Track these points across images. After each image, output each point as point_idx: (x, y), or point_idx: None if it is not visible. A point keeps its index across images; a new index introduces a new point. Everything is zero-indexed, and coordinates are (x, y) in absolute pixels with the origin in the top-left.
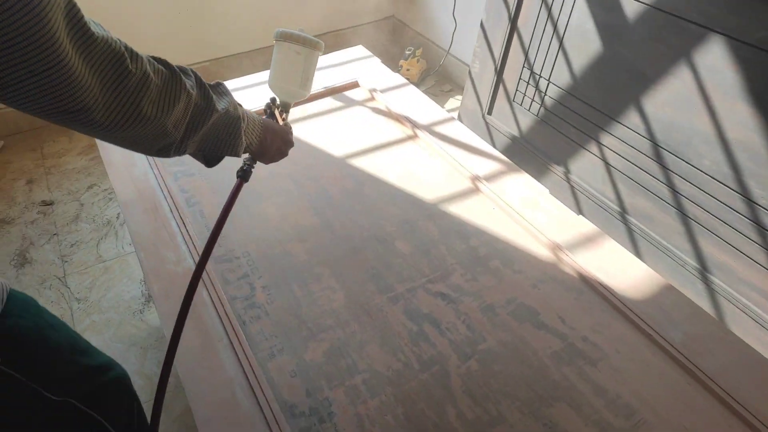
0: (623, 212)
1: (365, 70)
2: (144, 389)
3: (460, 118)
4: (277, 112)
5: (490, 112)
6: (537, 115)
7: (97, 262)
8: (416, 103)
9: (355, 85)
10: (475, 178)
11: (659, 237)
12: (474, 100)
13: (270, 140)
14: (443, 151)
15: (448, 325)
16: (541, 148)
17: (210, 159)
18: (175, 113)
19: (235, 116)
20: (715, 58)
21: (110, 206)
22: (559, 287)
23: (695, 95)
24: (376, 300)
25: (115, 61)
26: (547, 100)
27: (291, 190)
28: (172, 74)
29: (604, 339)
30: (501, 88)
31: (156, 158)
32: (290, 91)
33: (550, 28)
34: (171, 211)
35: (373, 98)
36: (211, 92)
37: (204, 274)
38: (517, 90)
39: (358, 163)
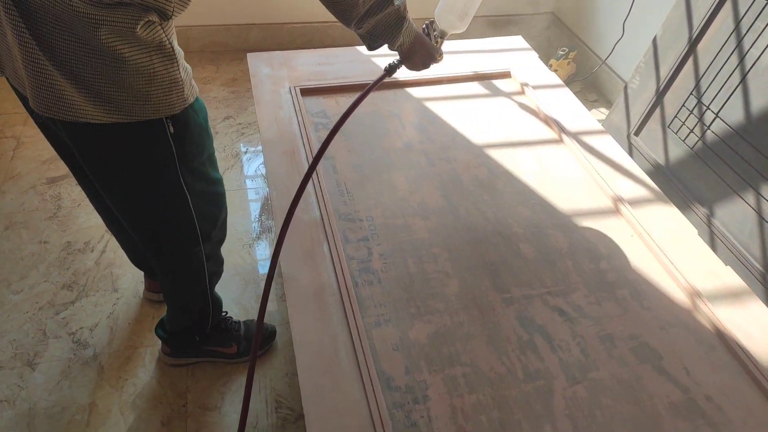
0: (767, 273)
1: (520, 62)
2: (239, 318)
3: (606, 132)
4: (432, 35)
5: (637, 133)
6: (692, 148)
7: None
8: (567, 107)
9: (506, 75)
10: (618, 199)
11: None
12: (623, 117)
13: (418, 48)
14: (588, 162)
15: (561, 343)
16: (687, 183)
17: (372, 43)
18: None
19: (402, 15)
20: None
21: (241, 140)
22: (690, 336)
23: None
24: (489, 297)
25: None
26: (708, 135)
27: (423, 166)
28: None
29: (731, 404)
30: (658, 111)
31: (303, 106)
32: (449, 21)
33: (734, 60)
34: (307, 159)
35: (523, 92)
36: None
37: (328, 228)
38: (676, 117)
39: (496, 155)
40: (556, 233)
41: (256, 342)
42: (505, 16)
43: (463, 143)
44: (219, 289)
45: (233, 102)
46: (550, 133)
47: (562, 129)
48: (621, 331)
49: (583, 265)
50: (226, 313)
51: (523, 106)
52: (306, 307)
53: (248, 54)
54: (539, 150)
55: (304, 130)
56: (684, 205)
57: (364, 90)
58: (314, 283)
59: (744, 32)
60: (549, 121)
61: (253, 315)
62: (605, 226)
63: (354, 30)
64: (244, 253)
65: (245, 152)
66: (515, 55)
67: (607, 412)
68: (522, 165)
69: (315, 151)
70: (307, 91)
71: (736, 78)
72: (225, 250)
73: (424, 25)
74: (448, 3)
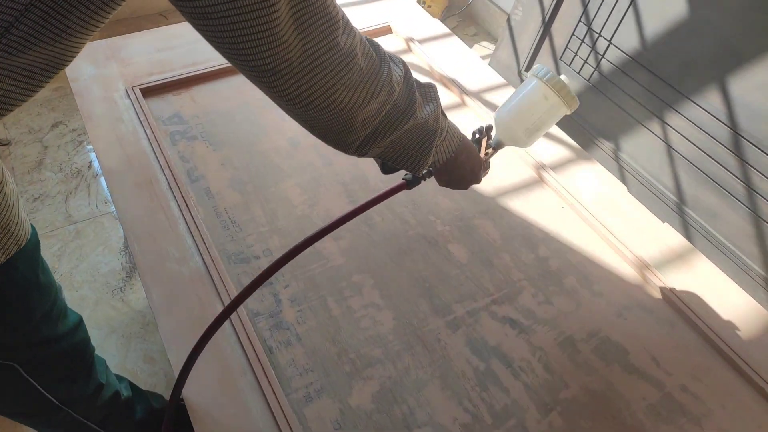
0: (681, 203)
1: (398, 11)
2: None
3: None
4: (484, 143)
5: (528, 69)
6: (588, 81)
7: (66, 222)
8: (463, 61)
9: (387, 30)
10: (540, 167)
11: (722, 236)
12: (510, 53)
13: (462, 162)
14: None
15: (522, 364)
16: (588, 118)
17: (388, 168)
18: (368, 108)
19: (433, 129)
20: None
21: (80, 151)
22: (649, 318)
23: None
24: (431, 324)
25: (326, 27)
26: (605, 65)
27: (318, 167)
28: (381, 62)
29: (706, 389)
30: (547, 43)
31: (150, 113)
32: (514, 134)
33: None
34: (170, 187)
35: (409, 49)
36: (416, 93)
37: (217, 279)
38: (567, 48)
39: None
40: (484, 223)
41: None
42: None
43: None
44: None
45: (59, 103)
46: (451, 96)
47: (462, 90)
48: (579, 329)
49: (522, 257)
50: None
51: (414, 67)
52: (212, 404)
53: None
54: None
55: (158, 147)
56: (588, 143)
57: (363, 205)
58: (216, 365)
59: None
60: (446, 82)
61: (147, 381)
62: (533, 201)
63: (356, 156)
64: (117, 301)
65: (89, 166)
66: (391, 4)
67: None
68: None
69: (177, 174)
70: (150, 91)
71: (624, 1)
72: (92, 301)
73: (476, 130)
74: (517, 112)
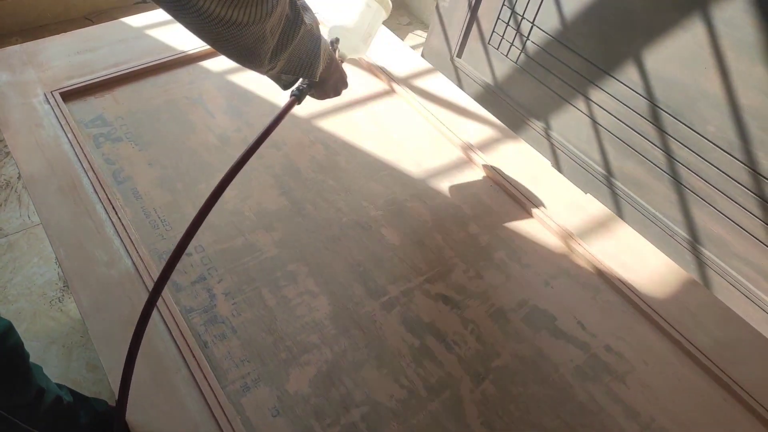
0: (609, 176)
1: (322, 3)
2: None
3: (436, 70)
4: (337, 54)
5: (459, 55)
6: (516, 62)
7: None
8: (388, 47)
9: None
10: (467, 147)
11: (648, 204)
12: (441, 40)
13: (333, 70)
14: (427, 111)
15: (455, 338)
16: (518, 99)
17: (288, 81)
18: (273, 17)
19: (317, 35)
20: (735, 12)
21: (7, 162)
22: (574, 284)
23: (706, 52)
24: (366, 307)
25: None
26: (530, 46)
27: (249, 162)
28: None
29: (629, 347)
30: (475, 28)
31: (71, 117)
32: (352, 43)
33: None
34: (95, 190)
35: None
36: (297, 4)
37: (147, 279)
38: (494, 32)
39: (328, 125)
40: (416, 205)
41: None
42: None
43: (288, 120)
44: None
45: None
46: (380, 84)
47: (390, 77)
48: (509, 300)
49: (453, 235)
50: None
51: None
52: (148, 402)
53: None
54: (373, 107)
55: (81, 150)
56: (520, 123)
57: (266, 127)
58: (149, 364)
59: None
60: (374, 70)
61: (91, 389)
62: (462, 181)
63: (267, 73)
64: (55, 311)
65: (18, 177)
66: None
67: (520, 402)
68: (359, 130)
69: (102, 176)
70: (70, 95)
71: None
72: (29, 313)
73: (330, 43)
74: (353, 25)
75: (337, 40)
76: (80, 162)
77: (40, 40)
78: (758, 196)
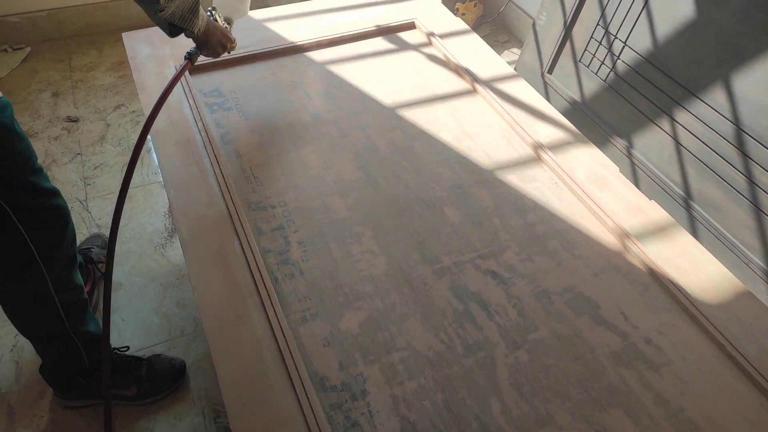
0: (688, 198)
1: (423, 10)
2: (162, 327)
3: (519, 75)
4: (220, 19)
5: (550, 71)
6: (605, 80)
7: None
8: (478, 54)
9: (411, 26)
10: (538, 146)
11: (725, 230)
12: (534, 56)
13: (212, 32)
14: (504, 111)
15: (498, 308)
16: (604, 116)
17: (173, 29)
18: None
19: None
20: None
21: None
22: (624, 279)
23: None
24: (419, 271)
25: None
26: (620, 65)
27: (335, 138)
28: None
29: (669, 343)
30: (568, 46)
31: (193, 87)
32: (231, 5)
33: None
34: (205, 146)
35: (430, 43)
36: None
37: (237, 221)
38: (586, 50)
39: (410, 115)
40: (480, 191)
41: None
42: None
43: (375, 107)
44: (135, 298)
45: (123, 88)
46: (463, 84)
47: (474, 78)
48: (556, 284)
49: (511, 221)
50: (127, 348)
51: (432, 58)
52: (222, 316)
53: (123, 34)
54: (454, 103)
55: (198, 114)
56: (603, 140)
57: (168, 85)
58: (228, 287)
59: None
60: (460, 71)
61: (178, 323)
62: (528, 176)
63: (155, 16)
64: (158, 255)
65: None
66: (417, 3)
67: (551, 372)
68: (437, 122)
69: (212, 136)
70: (195, 69)
71: (639, 3)
72: (137, 254)
73: (207, 11)
74: None
75: (214, 9)
76: (196, 123)
77: None
78: None
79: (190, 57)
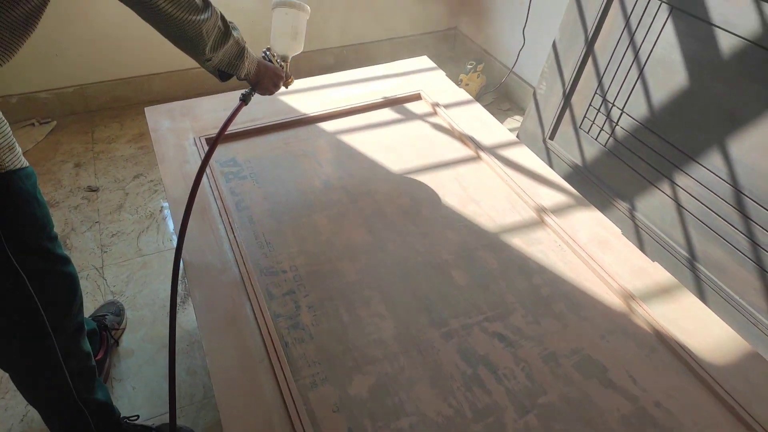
0: (692, 259)
1: (428, 83)
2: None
3: (521, 142)
4: (275, 60)
5: (552, 137)
6: (605, 146)
7: (136, 255)
8: (481, 122)
9: (417, 97)
10: (541, 210)
11: (731, 290)
12: (536, 123)
13: (263, 72)
14: (507, 176)
15: (506, 372)
16: (606, 180)
17: (222, 75)
18: (208, 23)
19: (242, 46)
20: None
21: (154, 198)
22: (630, 341)
23: None
24: (428, 334)
25: None
26: (618, 131)
27: (345, 204)
28: (204, 1)
29: (679, 407)
30: (568, 113)
31: (210, 158)
32: (285, 44)
33: (630, 56)
34: (220, 213)
35: (435, 113)
36: (228, 24)
37: (249, 287)
38: (585, 117)
39: (416, 181)
40: (486, 254)
41: None
42: (409, 36)
43: (383, 174)
44: (146, 366)
45: (142, 158)
46: (467, 151)
47: (478, 145)
48: (563, 347)
49: (517, 284)
50: (137, 417)
51: (438, 127)
52: (233, 381)
53: (146, 108)
54: (459, 169)
55: (215, 183)
56: (606, 203)
57: (224, 122)
58: (239, 352)
59: (634, 28)
60: (464, 139)
61: (187, 390)
62: (533, 239)
63: (204, 65)
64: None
65: (161, 210)
66: (423, 76)
67: None
68: (443, 187)
69: (227, 204)
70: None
71: (634, 73)
72: (149, 320)
73: (262, 53)
74: (278, 28)
75: (269, 49)
76: (212, 191)
77: (195, 98)
78: None
79: (245, 98)
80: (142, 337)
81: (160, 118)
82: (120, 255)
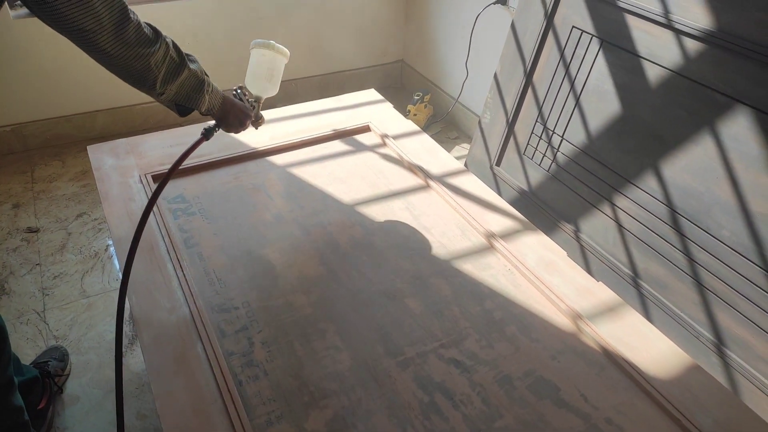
0: (636, 277)
1: (376, 115)
2: None
3: (466, 167)
4: (247, 100)
5: (498, 164)
6: (548, 171)
7: (80, 297)
8: (429, 152)
9: (366, 129)
10: (490, 235)
11: (673, 305)
12: (482, 150)
13: (229, 109)
14: (457, 204)
15: (462, 398)
16: (551, 204)
17: (181, 109)
18: (156, 55)
19: (201, 79)
20: (739, 129)
21: (99, 237)
22: (580, 360)
23: (716, 163)
24: (384, 364)
25: (121, 8)
26: (560, 157)
27: (297, 236)
28: (155, 32)
29: (629, 421)
30: (512, 140)
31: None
32: (260, 86)
33: (566, 86)
34: (168, 251)
35: (384, 144)
36: (184, 55)
37: (200, 325)
38: (528, 144)
39: (368, 211)
40: (438, 281)
41: None
42: (356, 69)
43: (335, 205)
44: (93, 412)
45: (85, 197)
46: (417, 180)
47: (427, 174)
48: (516, 369)
49: (470, 309)
50: None
51: (387, 157)
52: (185, 424)
53: (88, 147)
54: (409, 198)
55: (161, 220)
56: (553, 226)
57: (181, 155)
58: (190, 393)
59: (569, 60)
60: (414, 169)
61: None
62: (483, 264)
63: (158, 99)
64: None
65: (106, 249)
66: (371, 108)
67: None
68: (395, 216)
69: (176, 241)
70: (159, 177)
71: (571, 102)
72: (95, 365)
73: (234, 90)
74: (254, 68)
75: (242, 87)
76: (160, 229)
77: (141, 135)
78: None
79: (207, 133)
80: (87, 383)
81: (103, 156)
82: (63, 297)
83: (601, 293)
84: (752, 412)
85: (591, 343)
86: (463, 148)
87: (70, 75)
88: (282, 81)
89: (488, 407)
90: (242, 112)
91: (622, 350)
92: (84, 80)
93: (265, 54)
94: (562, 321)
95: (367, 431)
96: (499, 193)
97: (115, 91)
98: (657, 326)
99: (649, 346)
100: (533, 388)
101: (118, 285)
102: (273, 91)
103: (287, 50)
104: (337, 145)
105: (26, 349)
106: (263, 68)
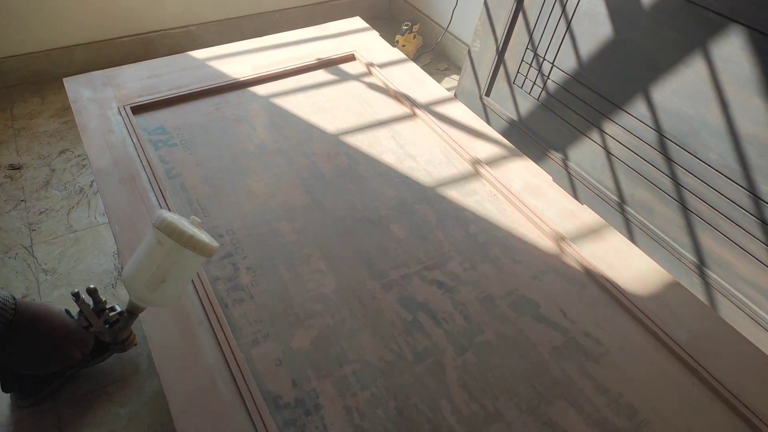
0: (622, 202)
1: (362, 43)
2: (113, 368)
3: (456, 98)
4: (92, 314)
5: (488, 94)
6: (538, 99)
7: (67, 231)
8: (416, 80)
9: (351, 57)
10: (476, 162)
11: (657, 229)
12: (472, 81)
13: (32, 333)
14: (443, 132)
15: (445, 316)
16: (540, 133)
17: None
18: None
19: None
20: (732, 49)
21: (83, 173)
22: (562, 279)
23: (707, 86)
24: (368, 286)
25: None
26: (550, 85)
27: (281, 166)
28: None
29: (606, 335)
30: (501, 69)
31: (137, 125)
32: (136, 290)
33: (558, 10)
34: (150, 182)
35: (370, 73)
36: None
37: None
38: (518, 72)
39: (353, 140)
40: (423, 207)
41: None
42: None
43: (319, 135)
44: None
45: (67, 133)
46: (403, 109)
47: (413, 103)
48: (499, 289)
49: (454, 233)
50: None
51: (373, 86)
52: (172, 347)
53: (65, 79)
54: (395, 127)
55: (142, 151)
56: (541, 154)
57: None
58: (177, 317)
59: None
60: (399, 97)
61: (129, 360)
62: (468, 190)
63: None
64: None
65: (91, 185)
66: (357, 37)
67: (497, 371)
68: (380, 145)
69: (157, 172)
70: (138, 109)
71: (563, 27)
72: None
73: (75, 294)
74: (136, 266)
75: (94, 291)
76: (140, 160)
77: (118, 67)
78: (759, 220)
79: None
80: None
81: (80, 89)
82: (50, 232)
83: (585, 216)
84: (728, 324)
85: (573, 263)
86: (452, 80)
87: (45, 8)
88: (264, 12)
89: (470, 324)
90: (68, 340)
91: (603, 269)
92: (60, 13)
93: (164, 243)
94: (546, 243)
95: (351, 348)
96: (489, 124)
97: (93, 24)
98: (641, 249)
99: (631, 265)
100: (514, 305)
101: (104, 220)
102: (157, 302)
103: (214, 244)
104: (321, 75)
105: (16, 282)
106: (153, 264)
